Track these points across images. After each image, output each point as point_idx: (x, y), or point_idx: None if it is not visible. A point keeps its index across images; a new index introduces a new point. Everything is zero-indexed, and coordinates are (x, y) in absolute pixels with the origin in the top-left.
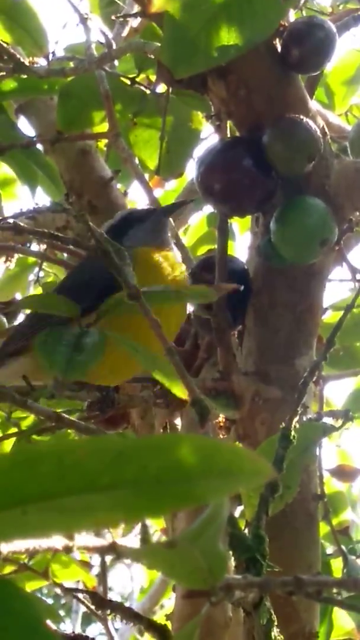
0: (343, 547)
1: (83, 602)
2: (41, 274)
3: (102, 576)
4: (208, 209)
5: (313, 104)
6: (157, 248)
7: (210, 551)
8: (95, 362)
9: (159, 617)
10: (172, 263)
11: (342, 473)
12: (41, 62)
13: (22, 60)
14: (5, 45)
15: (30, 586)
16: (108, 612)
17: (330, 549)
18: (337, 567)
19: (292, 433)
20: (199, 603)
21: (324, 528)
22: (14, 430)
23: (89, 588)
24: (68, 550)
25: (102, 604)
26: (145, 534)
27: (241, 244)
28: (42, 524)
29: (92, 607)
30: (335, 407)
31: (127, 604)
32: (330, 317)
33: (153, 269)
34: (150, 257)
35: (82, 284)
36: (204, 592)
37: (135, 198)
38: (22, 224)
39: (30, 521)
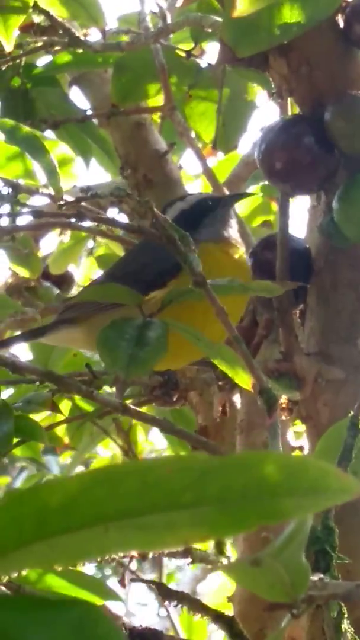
0: None
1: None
2: (94, 245)
3: (158, 558)
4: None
5: None
6: (223, 242)
7: (294, 566)
8: (160, 357)
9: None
10: (236, 260)
11: None
12: (94, 33)
13: (77, 34)
14: (60, 19)
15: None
16: (175, 603)
17: None
18: None
19: None
20: None
21: None
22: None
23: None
24: (144, 556)
25: (168, 595)
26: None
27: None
28: (124, 541)
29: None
30: None
31: (178, 575)
32: None
33: (217, 267)
34: (215, 254)
35: (139, 266)
36: (286, 604)
37: (188, 169)
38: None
39: (112, 538)
